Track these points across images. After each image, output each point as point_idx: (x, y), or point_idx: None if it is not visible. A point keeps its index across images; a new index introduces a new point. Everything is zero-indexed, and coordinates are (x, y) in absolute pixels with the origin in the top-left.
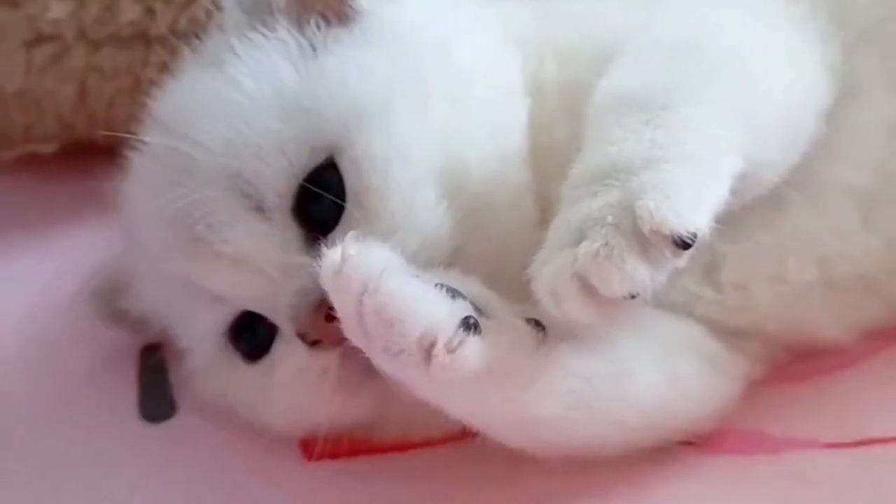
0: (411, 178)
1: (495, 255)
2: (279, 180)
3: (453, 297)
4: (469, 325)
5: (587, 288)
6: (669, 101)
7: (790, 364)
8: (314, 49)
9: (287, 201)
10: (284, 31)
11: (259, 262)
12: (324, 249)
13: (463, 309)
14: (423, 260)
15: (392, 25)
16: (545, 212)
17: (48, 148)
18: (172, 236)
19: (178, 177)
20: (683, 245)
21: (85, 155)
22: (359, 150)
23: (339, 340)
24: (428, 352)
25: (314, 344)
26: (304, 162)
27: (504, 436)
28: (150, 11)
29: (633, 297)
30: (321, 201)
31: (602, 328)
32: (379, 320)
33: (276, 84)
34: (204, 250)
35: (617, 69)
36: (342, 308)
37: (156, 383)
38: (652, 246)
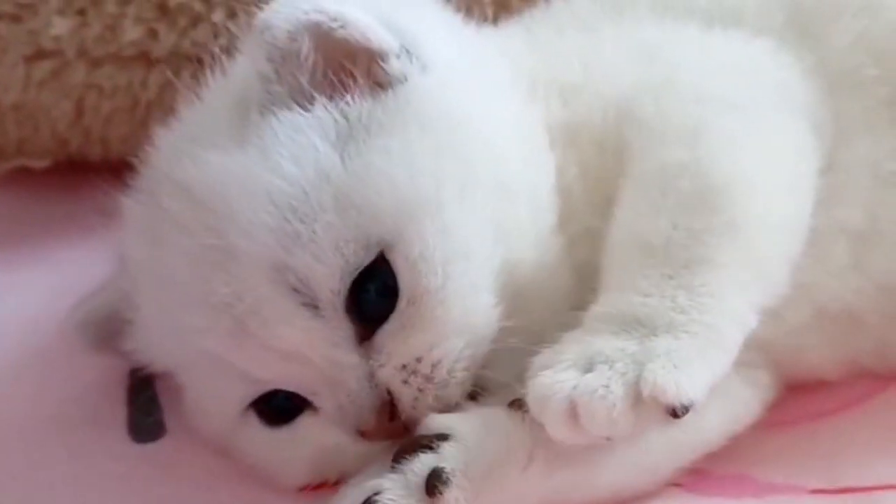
0: (472, 282)
1: (535, 327)
2: (334, 278)
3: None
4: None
5: (573, 413)
6: (690, 259)
7: (778, 409)
8: (352, 129)
9: (340, 298)
10: (321, 108)
11: (311, 357)
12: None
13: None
14: (468, 357)
15: (424, 100)
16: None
17: (41, 163)
18: (214, 323)
19: (219, 261)
20: (674, 414)
21: (78, 172)
22: (415, 249)
23: (395, 435)
24: None
25: (365, 435)
26: (358, 259)
27: None
28: (152, 32)
29: (607, 438)
30: (374, 296)
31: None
32: None
33: (322, 172)
34: (253, 343)
35: (631, 202)
36: None
37: (145, 404)
38: (644, 406)
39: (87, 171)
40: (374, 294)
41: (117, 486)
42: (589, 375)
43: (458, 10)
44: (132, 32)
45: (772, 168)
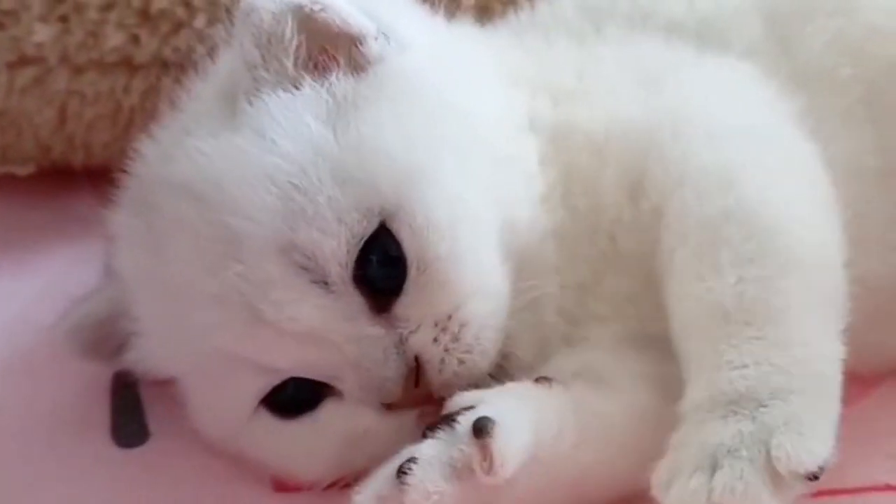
0: (479, 242)
1: (527, 304)
2: (341, 250)
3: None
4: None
5: None
6: (769, 312)
7: None
8: (339, 106)
9: (348, 271)
10: (309, 87)
11: (329, 336)
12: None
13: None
14: (493, 325)
15: (405, 75)
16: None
17: (24, 170)
18: (224, 315)
19: (226, 252)
20: (814, 478)
21: (61, 178)
22: (420, 216)
23: (423, 401)
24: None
25: (391, 407)
26: (361, 230)
27: None
28: (134, 38)
29: None
30: (382, 268)
31: None
32: None
33: (317, 148)
34: (268, 330)
35: (684, 263)
36: None
37: (129, 408)
38: (784, 481)
39: (70, 177)
40: (377, 265)
41: (102, 490)
42: (719, 474)
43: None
44: (114, 39)
45: (805, 192)
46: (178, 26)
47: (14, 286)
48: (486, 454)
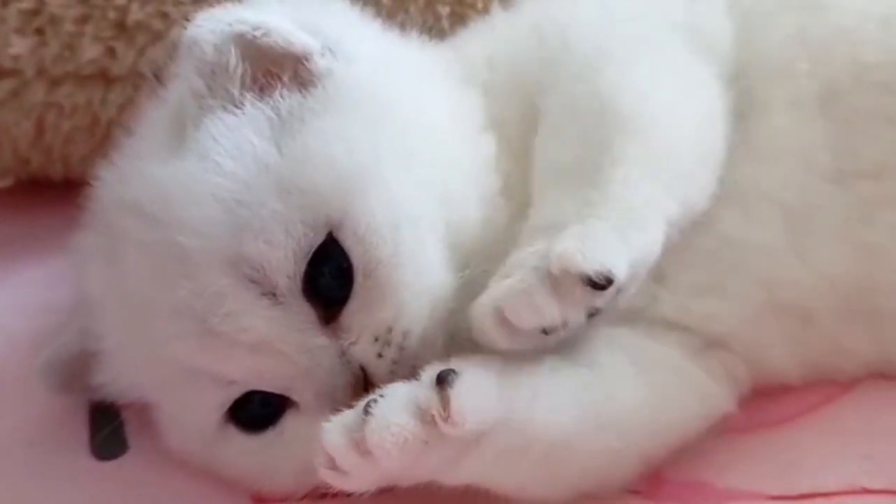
0: (420, 242)
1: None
2: (288, 263)
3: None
4: (444, 378)
5: (504, 320)
6: (598, 165)
7: (735, 416)
8: (283, 120)
9: (297, 283)
10: (251, 106)
11: (280, 347)
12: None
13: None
14: (436, 325)
15: (354, 85)
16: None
17: (3, 182)
18: (179, 328)
19: (177, 268)
20: (596, 285)
21: (39, 191)
22: (362, 223)
23: None
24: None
25: None
26: (306, 241)
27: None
28: (110, 50)
29: (545, 332)
30: (330, 278)
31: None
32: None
33: (260, 163)
34: (220, 341)
35: (544, 141)
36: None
37: (107, 421)
38: (562, 286)
39: (49, 189)
40: (328, 277)
41: (80, 502)
42: (505, 281)
43: (416, 22)
44: (91, 51)
45: (662, 82)
46: (154, 38)
47: None
48: (446, 403)
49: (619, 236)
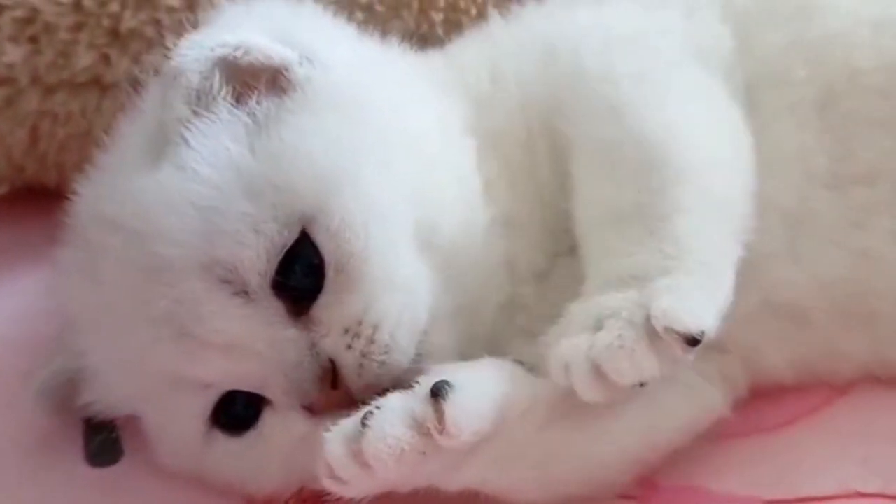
0: (390, 238)
1: (470, 303)
2: (260, 261)
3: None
4: (438, 390)
5: (600, 374)
6: (662, 214)
7: (730, 421)
8: (259, 124)
9: (267, 280)
10: (226, 112)
11: (250, 344)
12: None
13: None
14: (407, 320)
15: (332, 88)
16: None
17: None
18: (156, 335)
19: (152, 277)
20: (693, 342)
21: (34, 198)
22: (336, 218)
23: (346, 405)
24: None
25: (313, 410)
26: (280, 239)
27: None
28: (104, 58)
29: (640, 384)
30: (301, 274)
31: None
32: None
33: (234, 167)
34: (193, 344)
35: (586, 179)
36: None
37: (101, 427)
38: (662, 342)
39: (43, 197)
40: (299, 273)
41: None
42: (601, 332)
43: (410, 28)
44: (85, 58)
45: (694, 116)
46: (148, 45)
47: None
48: (441, 416)
49: (706, 293)
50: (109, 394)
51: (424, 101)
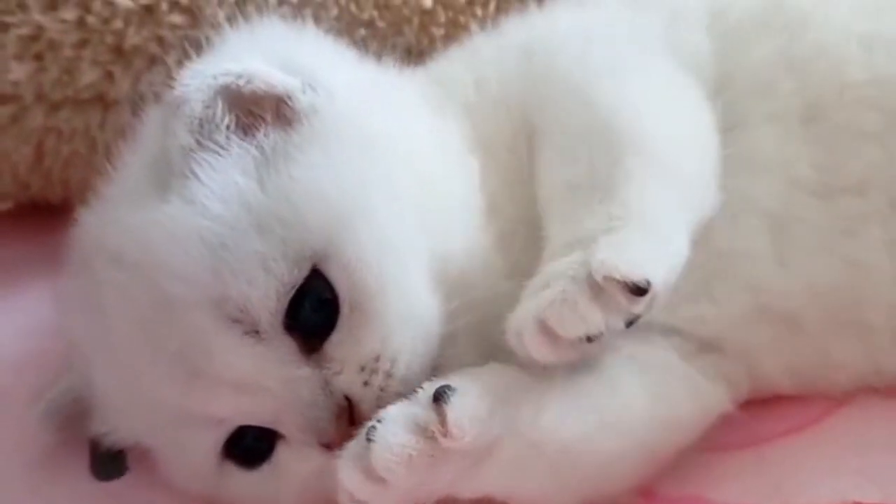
0: (405, 271)
1: (481, 320)
2: (269, 300)
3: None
4: (440, 395)
5: (547, 330)
6: (613, 184)
7: (728, 432)
8: (268, 158)
9: (278, 318)
10: (236, 146)
11: (263, 382)
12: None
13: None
14: (422, 350)
15: (337, 120)
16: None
17: (3, 206)
18: (167, 373)
19: (160, 314)
20: (637, 291)
21: (39, 214)
22: (350, 253)
23: None
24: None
25: (330, 446)
26: (290, 278)
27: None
28: (108, 75)
29: (589, 339)
30: (311, 310)
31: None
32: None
33: (244, 203)
34: (205, 382)
35: (547, 160)
36: None
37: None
38: (605, 292)
39: (48, 213)
40: (309, 310)
41: None
42: (545, 292)
43: (409, 44)
44: (89, 75)
45: (655, 97)
46: (151, 62)
47: None
48: (443, 419)
49: (651, 246)
50: (119, 425)
51: (424, 124)
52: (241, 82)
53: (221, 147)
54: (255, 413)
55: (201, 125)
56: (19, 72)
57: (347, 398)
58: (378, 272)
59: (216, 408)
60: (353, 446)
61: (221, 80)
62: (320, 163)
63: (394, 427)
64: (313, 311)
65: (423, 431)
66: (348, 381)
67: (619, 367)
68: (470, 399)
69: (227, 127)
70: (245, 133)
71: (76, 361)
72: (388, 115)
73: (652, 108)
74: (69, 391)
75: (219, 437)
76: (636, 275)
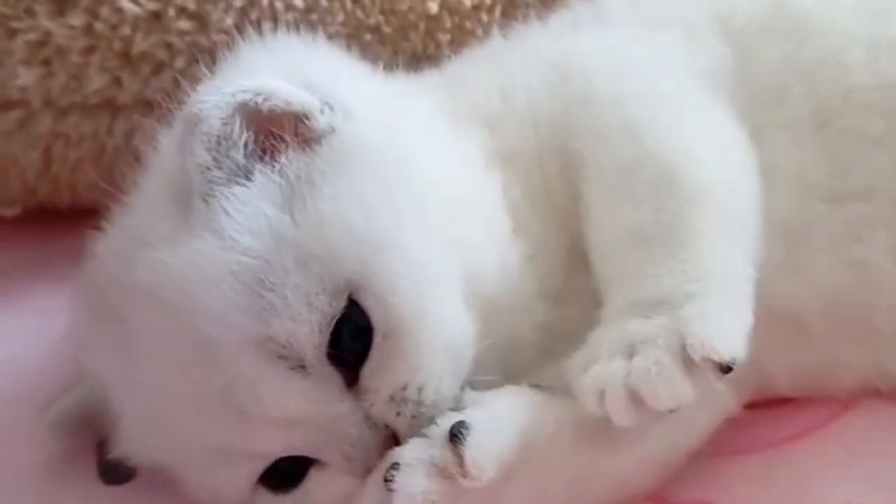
0: (440, 298)
1: (507, 338)
2: (314, 335)
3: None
4: (456, 434)
5: (636, 399)
6: (681, 235)
7: (736, 438)
8: (293, 186)
9: (322, 351)
10: (260, 175)
11: (311, 418)
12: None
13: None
14: (451, 375)
15: (358, 143)
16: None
17: (10, 211)
18: (212, 413)
19: (200, 357)
20: (726, 370)
21: (47, 219)
22: (382, 283)
23: None
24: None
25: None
26: (330, 310)
27: None
28: (116, 80)
29: (671, 411)
30: (349, 338)
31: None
32: None
33: (277, 236)
34: (252, 422)
35: (603, 200)
36: None
37: None
38: (698, 369)
39: (56, 218)
40: (347, 338)
41: None
42: (637, 358)
43: (415, 49)
44: (96, 81)
45: (706, 138)
46: (159, 68)
47: (1, 326)
48: (461, 459)
49: (735, 316)
50: (143, 451)
51: (445, 141)
52: (259, 99)
53: (244, 175)
54: (301, 446)
55: (219, 143)
56: (27, 77)
57: (387, 426)
58: (411, 302)
59: (263, 445)
60: (371, 493)
61: (240, 97)
62: (345, 193)
63: (414, 475)
64: (351, 338)
65: (442, 472)
66: (383, 412)
67: None
68: (486, 436)
69: (246, 145)
70: (265, 156)
71: (90, 378)
72: (409, 132)
73: (705, 150)
74: (80, 401)
75: (257, 469)
76: (730, 355)
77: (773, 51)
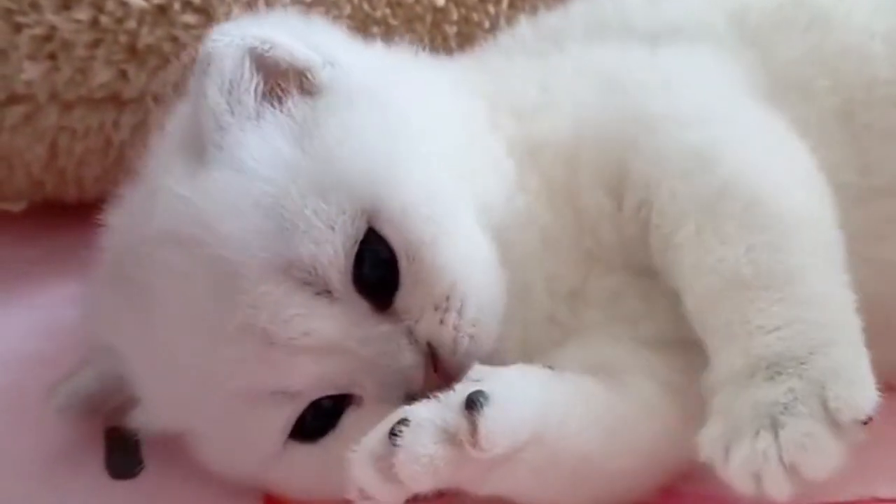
0: (454, 214)
1: (516, 284)
2: (338, 257)
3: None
4: (474, 401)
5: (793, 472)
6: (785, 273)
7: None
8: (301, 127)
9: (348, 276)
10: (271, 116)
11: (343, 343)
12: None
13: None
14: (488, 296)
15: (359, 85)
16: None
17: (17, 207)
18: (237, 351)
19: (223, 287)
20: (868, 420)
21: (53, 213)
22: (396, 208)
23: (442, 387)
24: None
25: (415, 398)
26: (354, 232)
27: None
28: (122, 74)
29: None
30: (376, 268)
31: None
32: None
33: (292, 167)
34: (282, 352)
35: (695, 248)
36: None
37: (122, 440)
38: (844, 431)
39: (62, 211)
40: (370, 268)
41: None
42: (785, 432)
43: (422, 41)
44: (102, 75)
45: (778, 158)
46: (165, 61)
47: (7, 321)
48: (474, 429)
49: (858, 356)
50: (162, 417)
51: (448, 96)
52: (266, 47)
53: (254, 114)
54: (332, 379)
55: (231, 86)
56: (33, 71)
57: (429, 345)
58: (427, 219)
59: (295, 378)
60: (372, 442)
61: (249, 41)
62: (353, 122)
63: (422, 436)
64: (374, 267)
65: (452, 438)
66: (427, 325)
67: (643, 382)
68: (503, 410)
69: (256, 91)
70: (275, 101)
71: (99, 358)
72: (408, 84)
73: (782, 174)
74: (88, 384)
75: (291, 414)
76: (871, 407)
77: (795, 44)
